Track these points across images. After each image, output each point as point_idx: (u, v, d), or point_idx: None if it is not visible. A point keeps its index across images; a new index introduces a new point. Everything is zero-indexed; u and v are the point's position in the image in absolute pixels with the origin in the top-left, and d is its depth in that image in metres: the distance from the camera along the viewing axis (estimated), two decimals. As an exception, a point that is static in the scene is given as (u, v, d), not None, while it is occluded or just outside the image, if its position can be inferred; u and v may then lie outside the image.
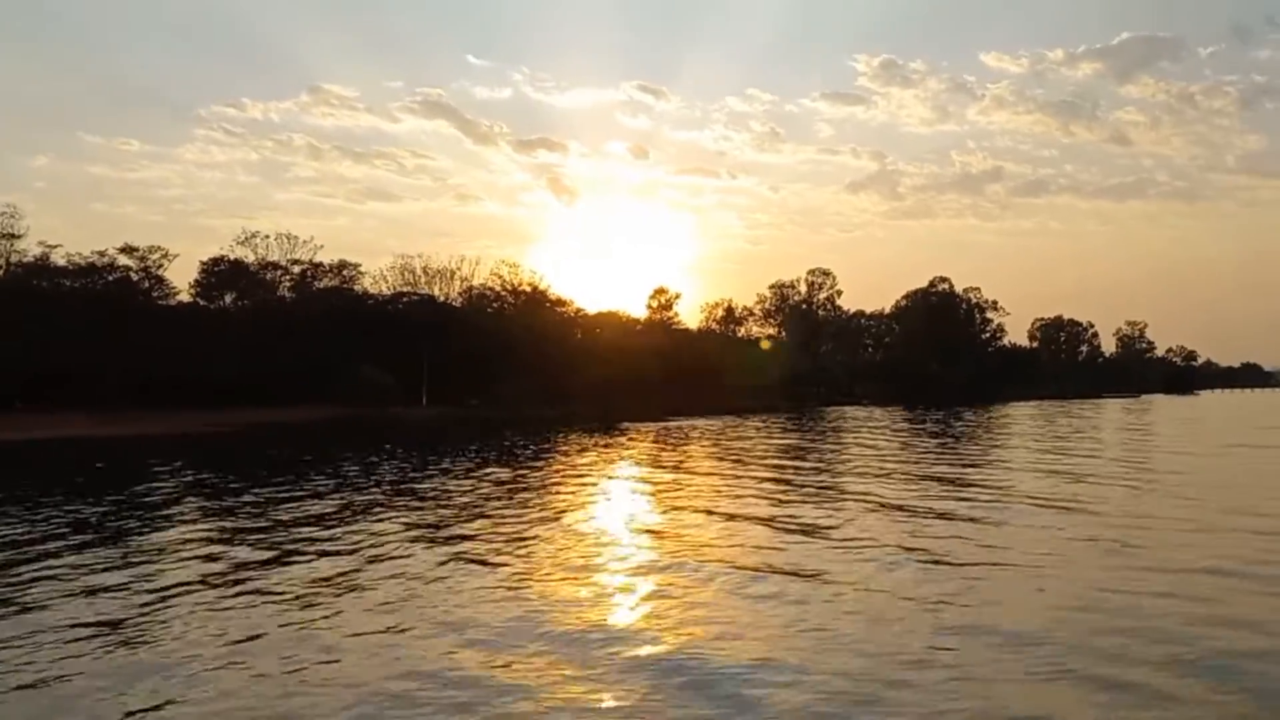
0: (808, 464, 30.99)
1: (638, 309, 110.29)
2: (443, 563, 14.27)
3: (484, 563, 14.31)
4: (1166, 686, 8.36)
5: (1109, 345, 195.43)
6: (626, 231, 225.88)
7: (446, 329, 76.60)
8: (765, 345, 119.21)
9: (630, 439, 45.69)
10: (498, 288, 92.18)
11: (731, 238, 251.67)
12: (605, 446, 40.80)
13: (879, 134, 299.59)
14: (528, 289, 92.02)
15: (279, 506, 20.74)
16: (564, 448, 40.16)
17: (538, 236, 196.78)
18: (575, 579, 13.14)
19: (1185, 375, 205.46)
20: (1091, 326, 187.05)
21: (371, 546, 15.72)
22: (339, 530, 17.55)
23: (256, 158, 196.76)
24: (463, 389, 75.40)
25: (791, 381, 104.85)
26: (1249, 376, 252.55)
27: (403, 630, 10.50)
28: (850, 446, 39.82)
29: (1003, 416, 72.75)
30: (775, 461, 32.29)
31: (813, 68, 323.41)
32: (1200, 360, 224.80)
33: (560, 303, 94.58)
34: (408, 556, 14.82)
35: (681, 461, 32.52)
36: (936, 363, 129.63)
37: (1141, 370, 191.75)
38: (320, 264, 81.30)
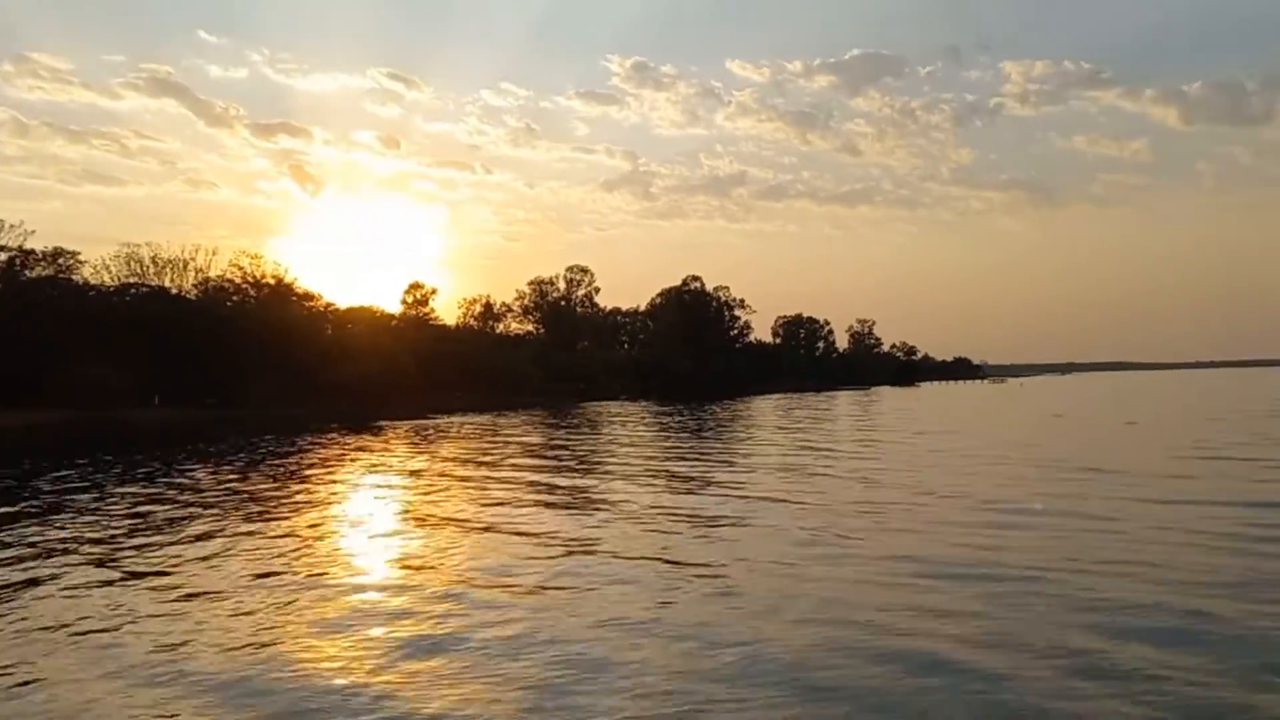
0: (564, 464, 30.90)
1: (392, 304, 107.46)
2: (109, 583, 12.97)
3: (147, 576, 13.29)
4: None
5: (843, 341, 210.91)
6: (377, 224, 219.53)
7: (181, 324, 71.21)
8: (524, 342, 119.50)
9: (386, 439, 44.26)
10: (238, 280, 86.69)
11: (487, 233, 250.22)
12: (357, 447, 39.28)
13: (632, 134, 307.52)
14: (271, 281, 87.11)
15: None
16: (312, 449, 38.29)
17: (280, 227, 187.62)
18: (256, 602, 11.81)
19: (909, 369, 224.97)
20: (828, 324, 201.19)
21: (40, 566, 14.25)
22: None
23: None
24: (202, 388, 70.39)
25: (551, 378, 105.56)
26: (961, 369, 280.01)
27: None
28: (605, 444, 40.39)
29: (750, 410, 76.40)
30: (531, 461, 31.87)
31: (568, 65, 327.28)
32: (920, 354, 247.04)
33: (308, 296, 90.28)
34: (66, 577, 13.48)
35: (437, 464, 31.54)
36: (689, 358, 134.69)
37: (871, 364, 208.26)
38: (31, 251, 73.16)
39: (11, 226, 73.53)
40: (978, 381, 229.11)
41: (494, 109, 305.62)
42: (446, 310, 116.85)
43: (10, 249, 72.29)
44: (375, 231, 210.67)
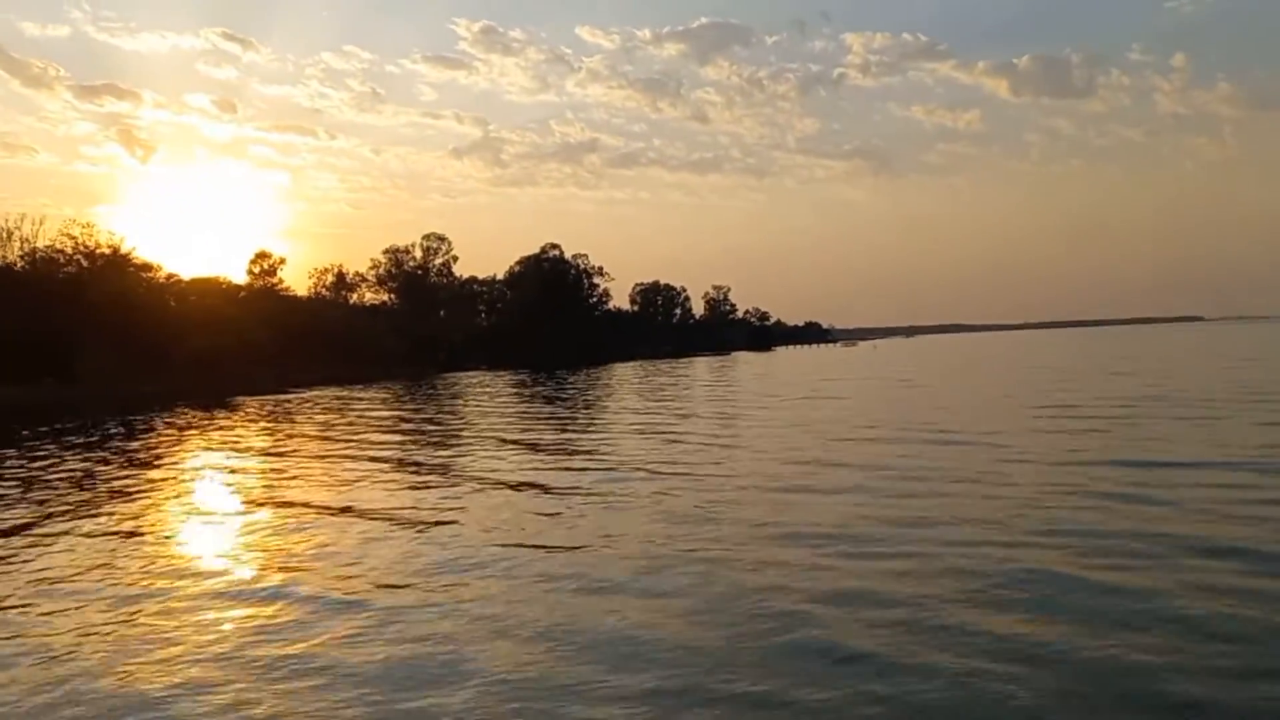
0: (425, 437, 30.53)
1: (238, 275, 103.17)
2: None
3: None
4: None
5: (699, 308, 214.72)
6: (214, 192, 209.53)
7: (9, 297, 66.74)
8: (380, 312, 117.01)
9: (238, 416, 43.03)
10: (69, 250, 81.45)
11: (333, 201, 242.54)
12: (206, 426, 38.10)
13: (481, 100, 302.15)
14: (106, 251, 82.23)
15: None
16: (158, 429, 36.94)
17: (108, 195, 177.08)
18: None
19: (764, 334, 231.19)
20: (684, 290, 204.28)
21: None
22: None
23: None
24: (34, 366, 66.24)
25: (410, 349, 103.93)
26: (812, 334, 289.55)
27: None
28: (467, 416, 40.37)
29: (610, 377, 77.38)
30: (390, 436, 31.03)
31: (412, 27, 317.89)
32: (773, 320, 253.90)
33: (147, 267, 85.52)
34: None
35: (288, 441, 30.77)
36: (550, 327, 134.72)
37: (727, 330, 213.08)
38: None
39: None
40: (830, 345, 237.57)
41: (336, 72, 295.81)
42: (296, 281, 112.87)
43: None
44: (213, 199, 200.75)
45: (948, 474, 18.23)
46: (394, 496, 18.17)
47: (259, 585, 11.53)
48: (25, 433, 35.53)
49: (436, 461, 23.80)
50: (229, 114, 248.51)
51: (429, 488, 19.08)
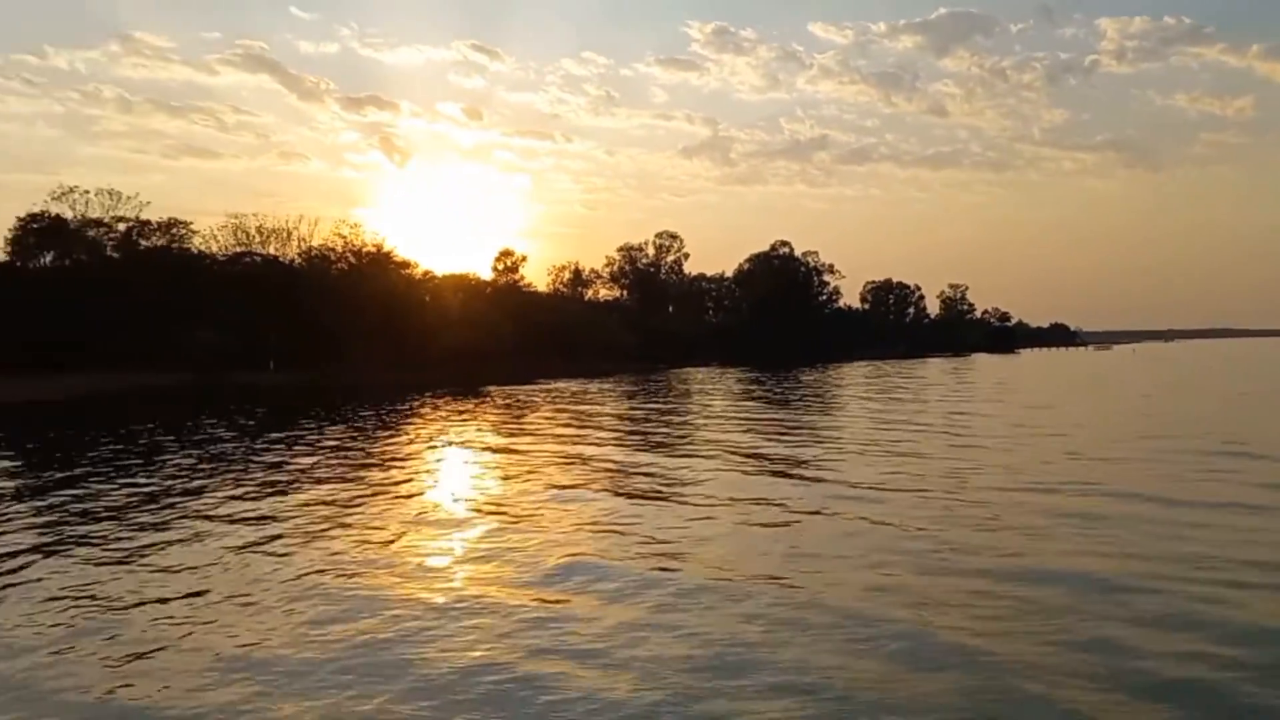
0: (671, 440, 30.94)
1: (483, 272, 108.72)
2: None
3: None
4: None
5: (934, 307, 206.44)
6: (461, 194, 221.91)
7: (292, 291, 73.41)
8: (614, 308, 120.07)
9: (501, 403, 45.22)
10: (340, 248, 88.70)
11: (568, 201, 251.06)
12: (477, 412, 40.24)
13: (711, 100, 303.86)
14: (372, 250, 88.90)
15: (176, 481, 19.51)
16: (440, 413, 39.35)
17: (366, 198, 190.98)
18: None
19: (1006, 335, 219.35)
20: (918, 289, 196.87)
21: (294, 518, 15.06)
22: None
23: (61, 110, 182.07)
24: (309, 354, 72.51)
25: (641, 344, 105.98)
26: (1058, 335, 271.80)
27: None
28: (695, 417, 40.12)
29: (842, 378, 75.72)
30: (646, 431, 32.11)
31: (646, 32, 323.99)
32: (1014, 321, 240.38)
33: (405, 264, 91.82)
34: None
35: (552, 426, 32.23)
36: (778, 324, 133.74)
37: (964, 330, 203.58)
38: (147, 222, 76.18)
39: (128, 198, 76.64)
40: (1081, 349, 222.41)
41: (574, 78, 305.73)
42: (535, 278, 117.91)
43: (129, 219, 75.42)
44: (460, 201, 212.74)
45: None
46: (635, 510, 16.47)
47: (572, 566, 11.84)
48: (322, 411, 38.88)
49: (664, 469, 21.84)
50: (476, 120, 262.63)
51: (657, 500, 17.50)
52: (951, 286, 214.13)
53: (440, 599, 10.43)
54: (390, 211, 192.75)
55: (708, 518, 15.26)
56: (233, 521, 15.08)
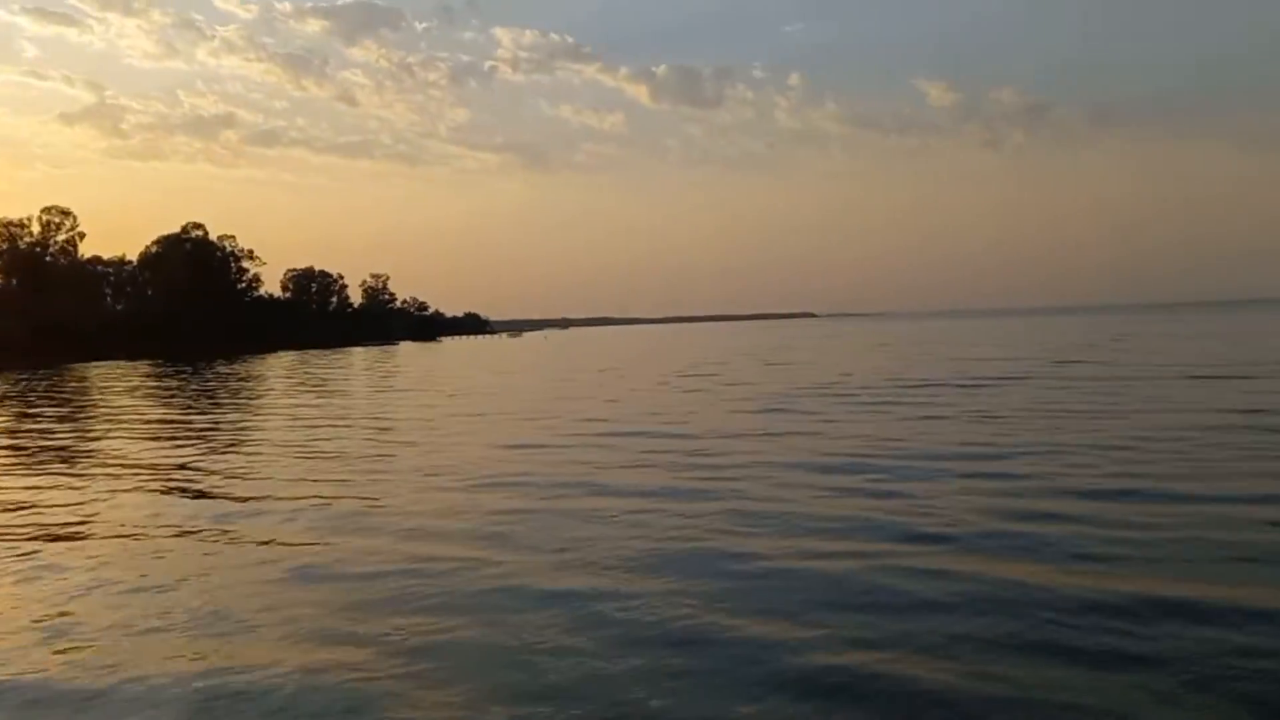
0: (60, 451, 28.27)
1: None
2: None
3: None
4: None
5: (356, 296, 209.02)
6: None
7: None
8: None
9: None
10: None
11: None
12: None
13: (97, 62, 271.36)
14: None
15: None
16: None
17: None
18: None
19: (429, 324, 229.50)
20: (341, 278, 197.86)
21: None
22: None
23: None
24: None
25: (31, 336, 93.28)
26: (472, 324, 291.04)
27: None
28: (104, 420, 37.21)
29: (266, 370, 74.08)
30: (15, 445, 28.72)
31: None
32: (431, 310, 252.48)
33: None
34: None
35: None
36: (195, 313, 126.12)
37: (388, 320, 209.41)
38: None
39: None
40: (494, 336, 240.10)
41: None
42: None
43: None
44: None
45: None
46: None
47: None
48: None
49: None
50: None
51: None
52: (374, 276, 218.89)
53: None
54: None
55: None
56: None
